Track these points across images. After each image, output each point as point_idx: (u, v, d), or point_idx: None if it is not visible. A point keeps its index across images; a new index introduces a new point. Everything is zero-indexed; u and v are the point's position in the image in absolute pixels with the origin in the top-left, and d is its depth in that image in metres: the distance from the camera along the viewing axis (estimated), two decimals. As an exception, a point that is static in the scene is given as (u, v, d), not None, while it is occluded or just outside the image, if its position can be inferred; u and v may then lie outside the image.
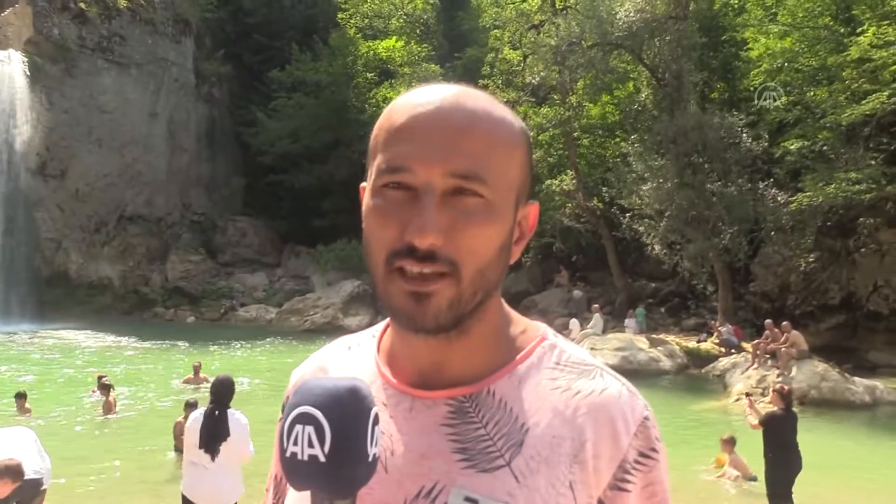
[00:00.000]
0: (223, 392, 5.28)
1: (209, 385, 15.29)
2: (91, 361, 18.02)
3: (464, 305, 0.86)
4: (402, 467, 0.89)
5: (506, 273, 0.92)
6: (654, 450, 0.90)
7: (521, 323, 0.98)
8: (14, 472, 4.93)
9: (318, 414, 0.76)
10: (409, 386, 0.93)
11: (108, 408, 11.92)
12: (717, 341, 19.83)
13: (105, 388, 12.14)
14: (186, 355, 18.86)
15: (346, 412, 0.76)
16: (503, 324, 0.96)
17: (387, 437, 0.91)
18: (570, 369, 0.93)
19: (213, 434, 5.11)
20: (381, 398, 0.94)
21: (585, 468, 0.87)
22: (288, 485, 0.85)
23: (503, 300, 0.97)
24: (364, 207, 0.90)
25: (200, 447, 5.10)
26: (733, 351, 18.62)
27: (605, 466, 0.87)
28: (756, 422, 7.81)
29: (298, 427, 0.76)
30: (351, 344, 1.05)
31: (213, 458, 5.10)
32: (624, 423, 0.89)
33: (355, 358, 1.02)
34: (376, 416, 0.79)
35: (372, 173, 0.89)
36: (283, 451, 0.78)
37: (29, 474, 5.68)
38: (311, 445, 0.75)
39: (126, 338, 22.48)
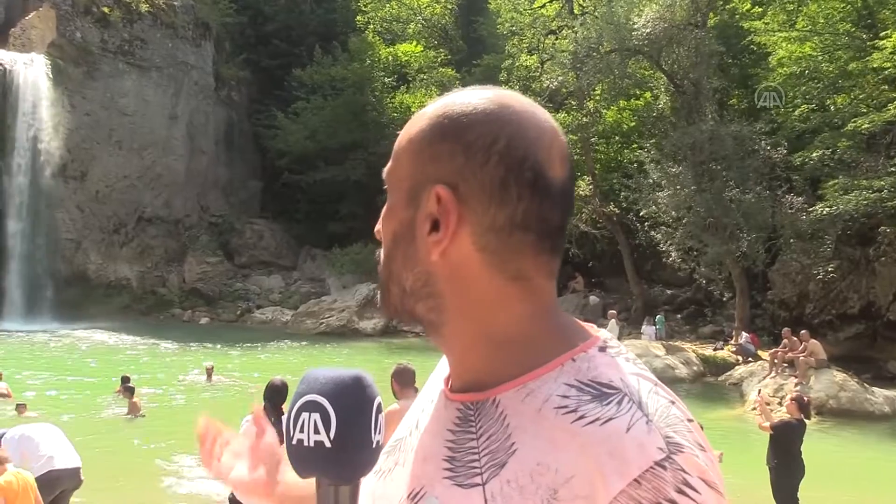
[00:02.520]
0: (276, 397, 5.25)
1: (221, 384, 15.45)
2: (108, 361, 18.18)
3: (387, 294, 0.90)
4: (411, 466, 0.89)
5: (418, 268, 0.85)
6: None
7: (568, 331, 0.86)
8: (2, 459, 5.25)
9: (325, 401, 0.78)
10: (446, 387, 0.92)
11: (133, 409, 12.00)
12: (733, 349, 19.68)
13: (129, 389, 12.24)
14: (203, 356, 18.99)
15: (351, 400, 0.79)
16: (519, 329, 0.85)
17: (417, 433, 0.91)
18: (589, 390, 0.78)
19: None
20: (433, 395, 0.94)
21: None
22: None
23: (553, 308, 0.88)
24: None
25: None
26: (750, 359, 18.47)
27: None
28: (767, 424, 7.75)
29: (305, 415, 0.78)
30: None
31: None
32: (620, 462, 0.71)
33: None
34: (379, 405, 0.81)
35: None
36: (289, 438, 0.79)
37: (77, 463, 6.04)
38: (317, 432, 0.77)
39: (143, 338, 22.67)
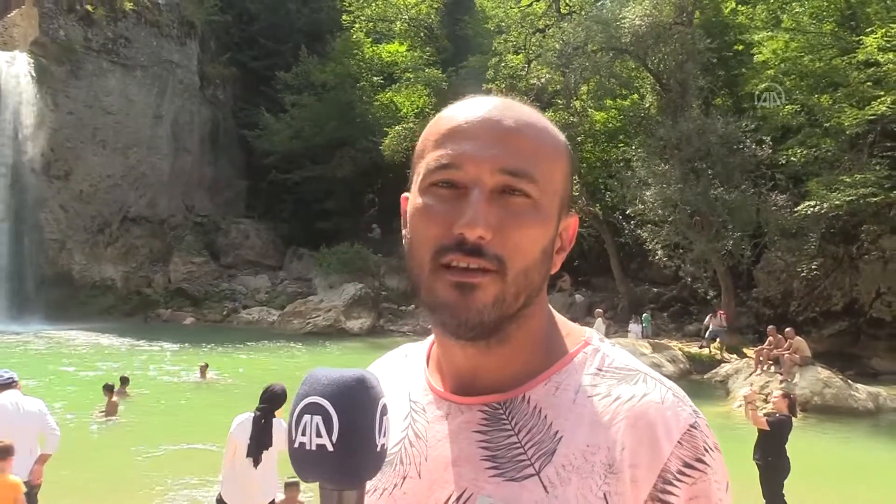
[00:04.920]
0: (273, 400, 5.26)
1: (213, 384, 15.37)
2: (94, 362, 18.04)
3: (507, 305, 0.85)
4: (433, 473, 0.89)
5: (547, 281, 0.91)
6: (700, 461, 0.84)
7: (565, 327, 0.96)
8: (9, 451, 5.22)
9: (327, 403, 0.76)
10: (449, 392, 0.93)
11: (111, 409, 11.71)
12: (707, 335, 19.80)
13: (109, 388, 11.92)
14: (193, 356, 18.89)
15: (354, 402, 0.76)
16: (546, 330, 0.94)
17: (422, 441, 0.92)
18: (612, 375, 0.89)
19: (259, 443, 5.14)
20: (423, 403, 0.95)
21: (622, 478, 0.82)
22: None
23: (551, 307, 0.96)
24: (410, 208, 0.90)
25: (248, 455, 5.12)
26: (732, 358, 18.57)
27: (643, 476, 0.82)
28: (763, 419, 7.80)
29: (307, 417, 0.76)
30: (408, 352, 1.06)
31: (255, 466, 5.14)
32: (665, 429, 0.84)
33: (409, 365, 1.03)
34: (384, 407, 0.79)
35: (419, 175, 0.89)
36: (291, 441, 0.78)
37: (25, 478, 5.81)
38: (319, 435, 0.75)
39: (129, 339, 22.50)
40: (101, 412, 11.75)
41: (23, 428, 5.80)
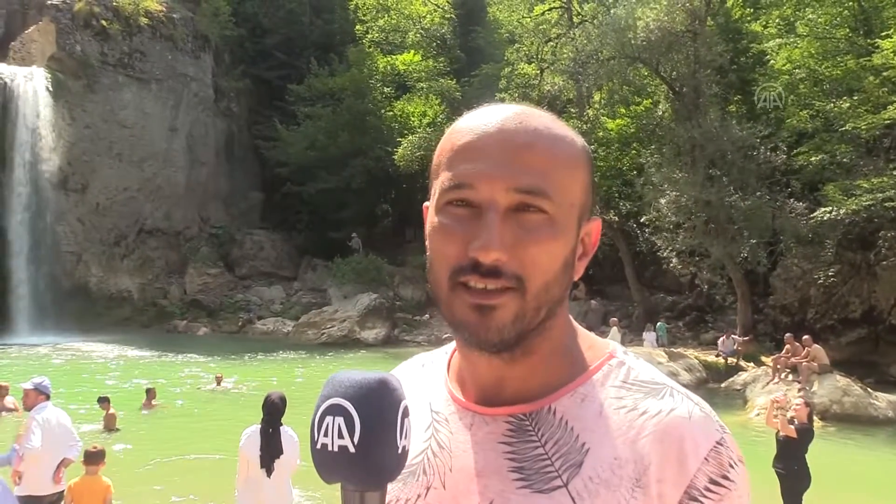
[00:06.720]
0: (276, 410, 5.35)
1: (230, 394, 15.35)
2: (112, 374, 18.13)
3: (528, 321, 0.85)
4: (458, 484, 0.88)
5: (569, 290, 0.91)
6: (726, 477, 0.83)
7: (588, 340, 0.96)
8: (101, 455, 5.74)
9: (349, 405, 0.77)
10: (473, 402, 0.93)
11: (109, 422, 11.34)
12: (725, 351, 19.65)
13: (105, 401, 11.46)
14: (209, 368, 18.96)
15: (375, 403, 0.77)
16: (569, 341, 0.94)
17: (446, 452, 0.91)
18: (638, 388, 0.89)
19: (271, 452, 5.24)
20: (445, 414, 0.95)
21: (648, 493, 0.82)
22: None
23: (571, 318, 0.96)
24: (428, 226, 0.91)
25: (262, 466, 5.24)
26: (749, 366, 18.41)
27: (670, 492, 0.82)
28: (792, 427, 7.73)
29: (329, 418, 0.77)
30: (425, 362, 1.07)
31: (269, 475, 5.24)
32: (693, 445, 0.83)
33: (428, 375, 1.03)
34: (406, 409, 0.80)
35: (435, 192, 0.90)
36: (313, 442, 0.78)
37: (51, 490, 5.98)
38: (341, 436, 0.76)
39: (146, 350, 22.62)
40: (103, 428, 11.34)
41: (62, 441, 6.03)
